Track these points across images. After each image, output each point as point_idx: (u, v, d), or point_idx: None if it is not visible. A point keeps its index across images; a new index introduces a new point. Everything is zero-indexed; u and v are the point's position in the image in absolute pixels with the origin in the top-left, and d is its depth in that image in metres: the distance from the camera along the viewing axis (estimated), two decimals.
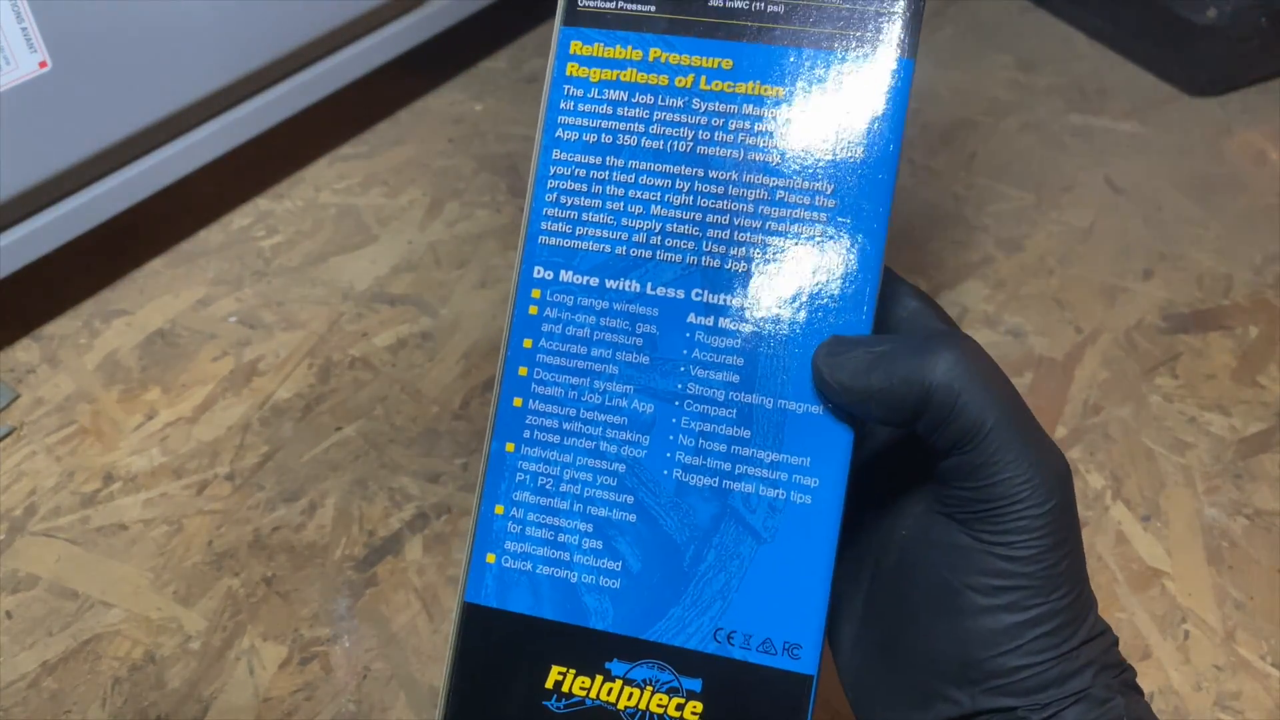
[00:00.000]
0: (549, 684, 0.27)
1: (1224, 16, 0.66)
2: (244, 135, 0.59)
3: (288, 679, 0.41)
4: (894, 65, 0.27)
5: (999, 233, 0.60)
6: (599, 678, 0.27)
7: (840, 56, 0.27)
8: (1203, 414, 0.50)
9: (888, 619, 0.27)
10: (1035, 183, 0.64)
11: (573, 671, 0.27)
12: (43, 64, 0.47)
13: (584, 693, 0.27)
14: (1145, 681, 0.40)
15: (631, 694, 0.27)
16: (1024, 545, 0.24)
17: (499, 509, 0.28)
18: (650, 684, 0.27)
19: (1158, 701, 0.40)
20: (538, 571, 0.28)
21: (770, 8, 0.28)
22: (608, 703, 0.27)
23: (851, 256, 0.27)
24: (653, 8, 0.28)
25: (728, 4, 0.28)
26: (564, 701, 0.27)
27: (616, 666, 0.27)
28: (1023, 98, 0.71)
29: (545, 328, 0.28)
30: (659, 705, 0.27)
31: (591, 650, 0.27)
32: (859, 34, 0.27)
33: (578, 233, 0.28)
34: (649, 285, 0.28)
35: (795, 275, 0.27)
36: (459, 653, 0.28)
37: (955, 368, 0.24)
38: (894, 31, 0.27)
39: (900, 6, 0.27)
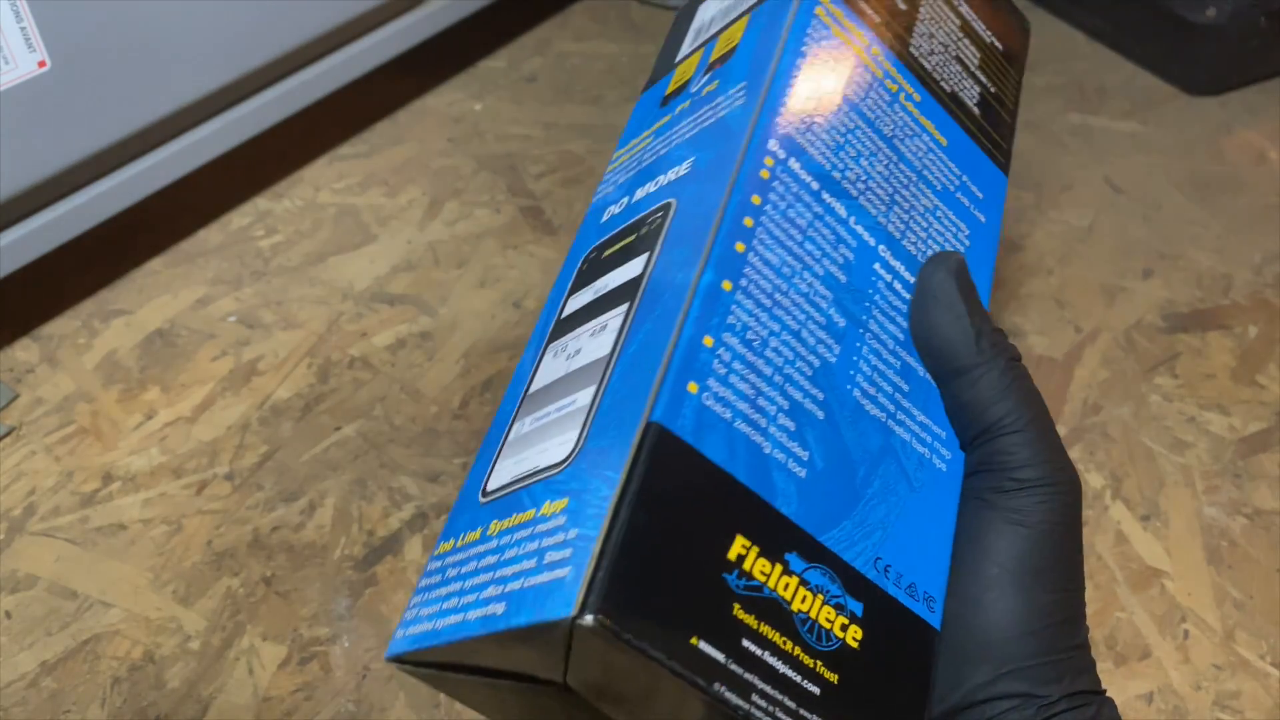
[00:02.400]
0: (732, 555, 0.23)
1: (1224, 16, 0.66)
2: (243, 135, 0.59)
3: (287, 679, 0.41)
4: (1004, 174, 0.36)
5: None
6: (779, 567, 0.23)
7: (987, 152, 0.35)
8: (1202, 413, 0.50)
9: None
10: (1035, 182, 0.64)
11: (756, 550, 0.23)
12: (42, 63, 0.47)
13: (764, 578, 0.23)
14: (1145, 681, 0.40)
15: (804, 597, 0.24)
16: (1038, 529, 0.26)
17: (708, 340, 0.24)
18: (821, 592, 0.24)
19: (1157, 701, 0.40)
20: (735, 426, 0.24)
21: (963, 102, 0.35)
22: (784, 598, 0.23)
23: (986, 250, 0.34)
24: (880, 21, 0.32)
25: (930, 63, 0.34)
26: (745, 581, 0.23)
27: (795, 562, 0.24)
28: (1022, 97, 0.71)
29: (772, 197, 0.27)
30: (828, 619, 0.24)
31: (777, 533, 0.24)
32: (1002, 155, 0.36)
33: (806, 137, 0.28)
34: (853, 218, 0.29)
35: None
36: (644, 479, 0.22)
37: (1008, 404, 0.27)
38: (1008, 151, 0.36)
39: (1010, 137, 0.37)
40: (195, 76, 0.55)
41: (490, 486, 0.26)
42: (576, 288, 0.30)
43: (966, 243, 0.32)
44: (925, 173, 0.32)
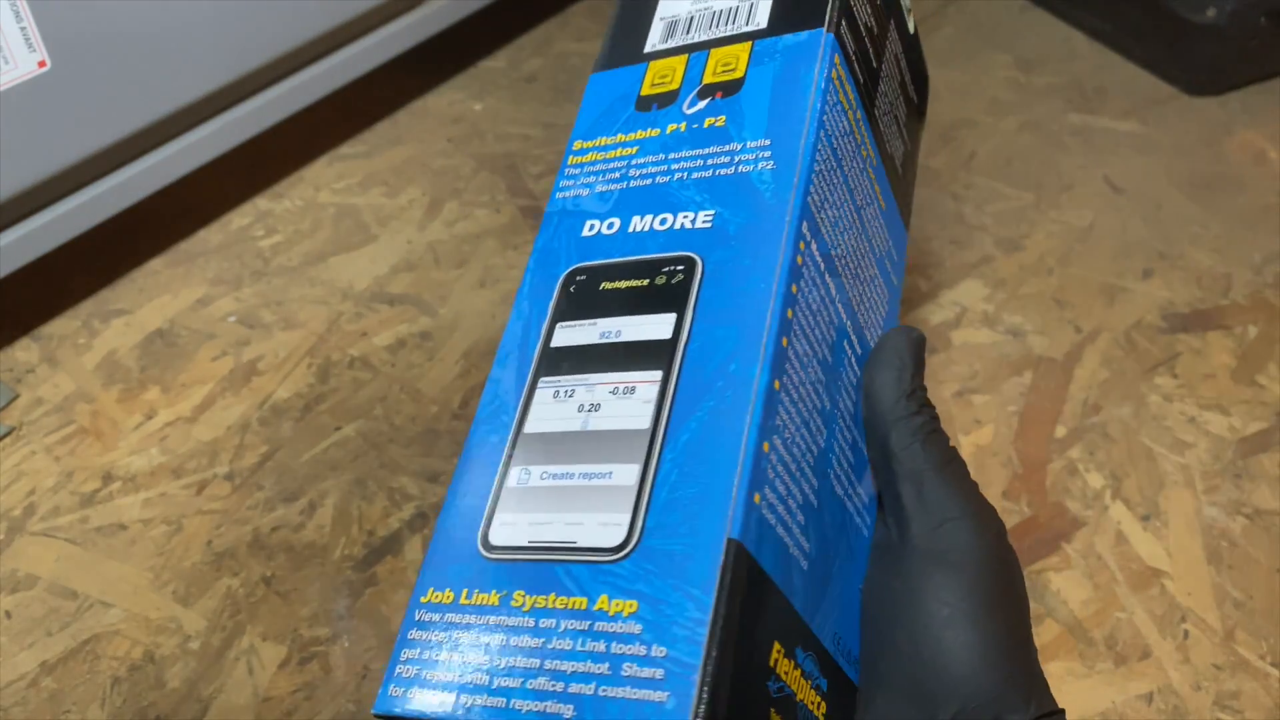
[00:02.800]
0: (771, 661, 0.23)
1: (1224, 16, 0.66)
2: (243, 135, 0.59)
3: (287, 679, 0.41)
4: (906, 231, 0.38)
5: (998, 232, 0.60)
6: (791, 662, 0.24)
7: (902, 213, 0.37)
8: (1202, 414, 0.50)
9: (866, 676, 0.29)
10: (1034, 182, 0.64)
11: (783, 651, 0.24)
12: (42, 63, 0.47)
13: (786, 677, 0.24)
14: (1145, 681, 0.40)
15: (802, 685, 0.24)
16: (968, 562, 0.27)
17: (766, 446, 0.24)
18: (810, 677, 0.25)
19: (1157, 701, 0.40)
20: (777, 531, 0.24)
21: (894, 162, 0.36)
22: (794, 691, 0.24)
23: (894, 312, 0.35)
24: (863, 81, 0.32)
25: (883, 123, 0.35)
26: (778, 685, 0.23)
27: (799, 654, 0.24)
28: (1022, 97, 0.71)
29: (803, 284, 0.27)
30: (812, 702, 0.25)
31: (793, 630, 0.24)
32: (908, 212, 0.37)
33: (821, 215, 0.28)
34: (839, 296, 0.29)
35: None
36: (728, 603, 0.22)
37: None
38: (910, 208, 0.38)
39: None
40: (195, 76, 0.54)
41: (495, 539, 0.25)
42: (567, 315, 0.28)
43: (887, 307, 0.34)
44: (874, 241, 0.33)
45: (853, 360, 0.30)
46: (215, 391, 0.53)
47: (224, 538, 0.46)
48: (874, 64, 0.33)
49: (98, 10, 0.48)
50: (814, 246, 0.28)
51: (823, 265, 0.28)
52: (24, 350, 0.55)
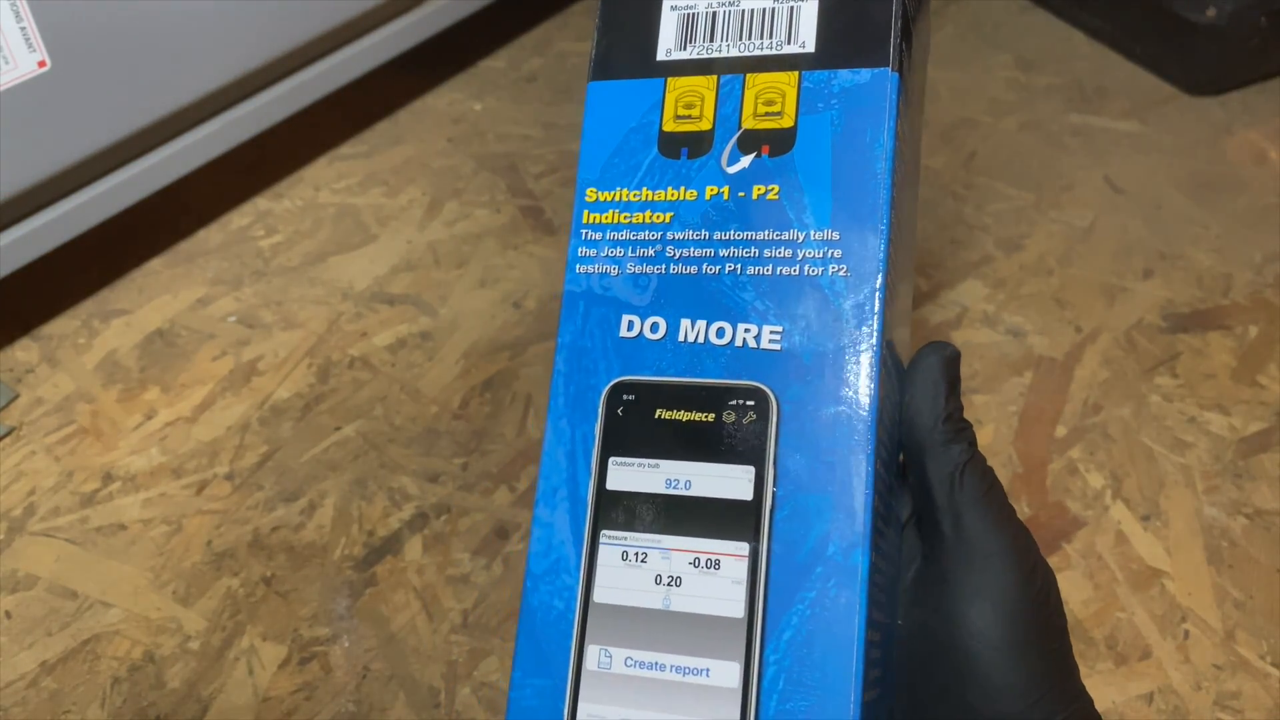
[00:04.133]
0: None
1: (1224, 16, 0.66)
2: (243, 135, 0.59)
3: (287, 679, 0.41)
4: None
5: (999, 232, 0.60)
6: None
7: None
8: (1202, 414, 0.50)
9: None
10: (1035, 182, 0.64)
11: None
12: (42, 63, 0.47)
13: None
14: (1145, 681, 0.40)
15: None
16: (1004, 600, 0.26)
17: (872, 634, 0.23)
18: None
19: (1157, 701, 0.40)
20: (877, 705, 0.23)
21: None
22: None
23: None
24: (911, 93, 0.28)
25: (913, 96, 0.30)
26: None
27: None
28: (1022, 97, 0.71)
29: (884, 414, 0.24)
30: None
31: None
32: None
33: (890, 305, 0.25)
34: (887, 348, 0.26)
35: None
36: None
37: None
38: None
39: None
40: (196, 77, 0.55)
41: None
42: (619, 447, 0.25)
43: (911, 299, 0.31)
44: (910, 244, 0.29)
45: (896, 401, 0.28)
46: (215, 391, 0.53)
47: (224, 538, 0.46)
48: (913, 37, 0.28)
49: (98, 10, 0.48)
50: (888, 353, 0.24)
51: (890, 362, 0.25)
52: (24, 350, 0.55)
